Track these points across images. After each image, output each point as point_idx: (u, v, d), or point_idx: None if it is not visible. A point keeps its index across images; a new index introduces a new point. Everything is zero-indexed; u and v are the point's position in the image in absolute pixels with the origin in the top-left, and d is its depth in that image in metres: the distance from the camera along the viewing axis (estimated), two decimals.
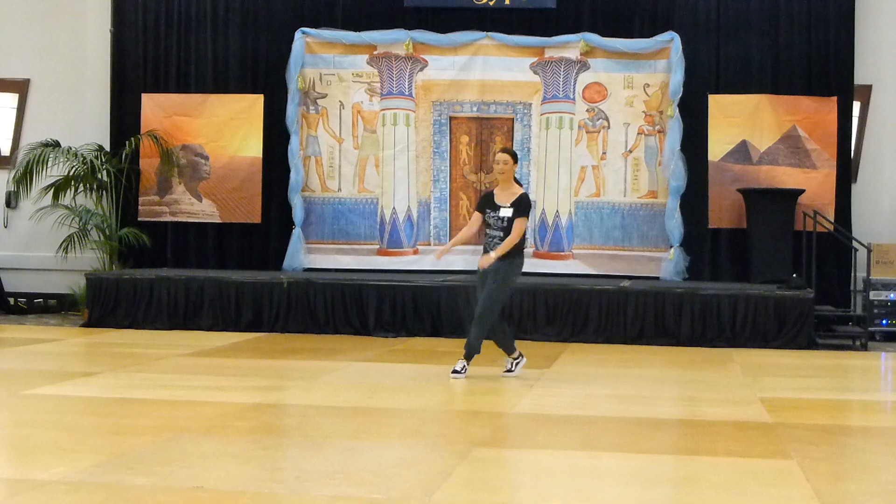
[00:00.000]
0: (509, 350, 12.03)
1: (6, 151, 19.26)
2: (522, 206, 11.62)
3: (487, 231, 11.69)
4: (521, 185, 12.01)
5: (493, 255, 11.45)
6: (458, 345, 14.87)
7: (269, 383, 11.41)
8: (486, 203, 11.79)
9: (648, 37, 17.62)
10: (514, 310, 15.73)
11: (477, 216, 11.89)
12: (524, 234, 11.69)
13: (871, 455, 8.58)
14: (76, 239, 17.92)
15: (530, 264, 17.36)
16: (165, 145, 18.26)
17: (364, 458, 7.72)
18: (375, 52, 18.05)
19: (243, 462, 7.68)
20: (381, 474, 7.27)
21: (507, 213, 11.54)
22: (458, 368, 11.76)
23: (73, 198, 18.28)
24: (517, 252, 11.64)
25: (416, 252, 17.98)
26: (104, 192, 18.36)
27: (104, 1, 18.95)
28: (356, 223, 18.07)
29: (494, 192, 11.82)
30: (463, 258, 17.66)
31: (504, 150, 12.03)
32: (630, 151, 17.68)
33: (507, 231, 11.50)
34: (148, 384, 11.21)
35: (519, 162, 17.56)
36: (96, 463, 7.42)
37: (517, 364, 12.01)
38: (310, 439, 8.69)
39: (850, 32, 17.50)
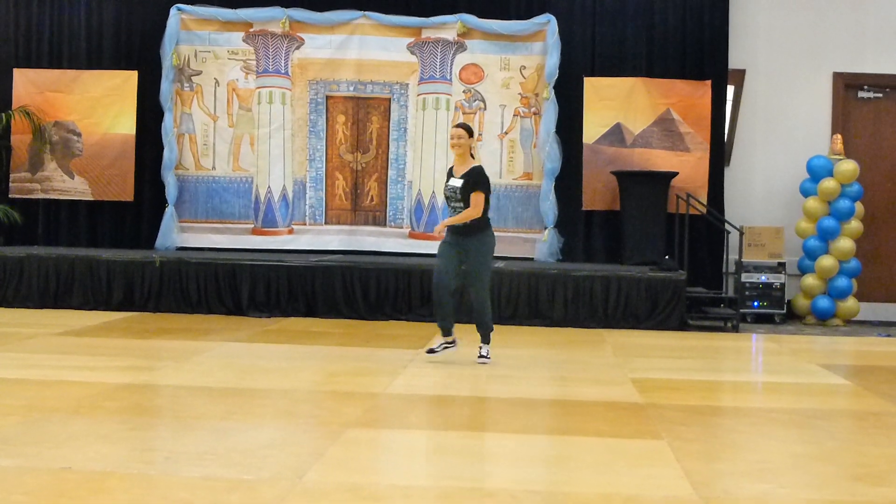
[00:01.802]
0: (446, 331, 11.83)
1: None
2: (474, 177, 11.39)
3: (449, 204, 11.55)
4: (474, 158, 11.69)
5: (445, 221, 11.50)
6: (332, 325, 14.95)
7: (140, 363, 11.26)
8: (447, 176, 11.63)
9: (525, 19, 17.64)
10: (390, 290, 15.72)
11: None
12: (486, 210, 11.43)
13: (741, 435, 8.71)
14: None
15: (406, 245, 17.42)
16: (37, 121, 17.95)
17: (235, 439, 7.67)
18: (251, 30, 17.88)
19: (113, 442, 7.57)
20: (252, 455, 7.23)
21: (457, 183, 11.36)
22: (484, 353, 11.70)
23: None
24: (483, 227, 11.46)
25: (290, 232, 17.86)
26: None
27: None
28: (230, 202, 17.91)
29: (454, 166, 11.64)
30: (338, 238, 17.65)
31: (459, 125, 11.78)
32: (506, 133, 17.70)
33: (464, 203, 11.32)
34: (16, 363, 11.02)
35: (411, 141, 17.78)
36: None
37: (445, 348, 11.85)
38: (180, 420, 8.62)
39: (725, 17, 17.69)
